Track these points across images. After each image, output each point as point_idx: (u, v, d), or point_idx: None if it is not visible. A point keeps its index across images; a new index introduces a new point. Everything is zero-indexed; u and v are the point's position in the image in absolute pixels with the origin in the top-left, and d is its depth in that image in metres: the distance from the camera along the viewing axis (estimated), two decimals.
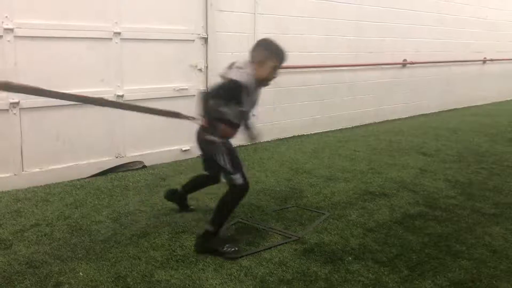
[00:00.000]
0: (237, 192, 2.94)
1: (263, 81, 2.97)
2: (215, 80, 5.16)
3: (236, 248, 2.90)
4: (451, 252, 2.99)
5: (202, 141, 3.02)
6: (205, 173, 3.32)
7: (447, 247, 3.07)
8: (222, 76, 2.93)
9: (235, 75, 2.81)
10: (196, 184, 3.53)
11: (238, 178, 2.89)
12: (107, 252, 2.91)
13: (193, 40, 5.03)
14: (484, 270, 2.77)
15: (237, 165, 2.93)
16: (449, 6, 8.52)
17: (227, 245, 2.90)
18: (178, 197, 3.58)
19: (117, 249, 2.96)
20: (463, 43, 9.05)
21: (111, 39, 4.43)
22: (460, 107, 9.33)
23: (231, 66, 2.97)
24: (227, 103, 2.85)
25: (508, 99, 10.72)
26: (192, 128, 5.00)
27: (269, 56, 2.93)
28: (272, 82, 3.07)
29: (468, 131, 6.97)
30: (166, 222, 3.39)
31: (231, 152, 2.95)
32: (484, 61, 9.75)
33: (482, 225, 3.44)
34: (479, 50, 9.55)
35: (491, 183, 4.42)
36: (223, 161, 2.90)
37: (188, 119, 3.12)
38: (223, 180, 3.12)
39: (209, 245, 2.91)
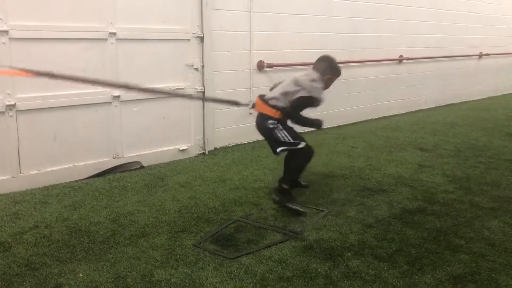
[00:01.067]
0: (302, 154, 3.55)
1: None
2: (211, 78, 5.21)
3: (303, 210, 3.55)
4: (450, 247, 3.00)
5: (264, 128, 3.59)
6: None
7: (446, 241, 3.08)
8: (298, 82, 3.55)
9: (316, 93, 3.52)
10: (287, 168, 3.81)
11: (300, 144, 3.51)
12: (106, 253, 2.91)
13: (189, 39, 5.02)
14: (483, 264, 2.78)
15: (297, 137, 3.56)
16: (444, 1, 8.52)
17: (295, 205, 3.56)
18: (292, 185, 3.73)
19: (116, 249, 2.96)
20: (458, 38, 9.06)
21: (106, 39, 4.42)
22: (457, 101, 9.34)
23: (307, 75, 3.62)
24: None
25: (505, 93, 10.73)
26: (187, 128, 4.99)
27: (334, 73, 3.71)
28: None
29: (465, 125, 6.98)
30: (165, 222, 3.39)
31: (290, 129, 3.57)
32: (480, 56, 9.76)
33: (481, 219, 3.45)
34: (475, 45, 9.56)
35: (489, 177, 4.43)
36: (282, 136, 3.50)
37: (247, 105, 3.76)
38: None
39: (285, 200, 3.58)
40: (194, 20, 5.03)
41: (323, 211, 3.60)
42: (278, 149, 3.52)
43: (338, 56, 6.68)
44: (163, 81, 4.87)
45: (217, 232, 3.23)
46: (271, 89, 3.79)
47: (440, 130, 6.64)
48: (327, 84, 3.67)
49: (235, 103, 3.76)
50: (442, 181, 4.34)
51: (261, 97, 3.62)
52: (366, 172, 4.62)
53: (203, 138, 5.30)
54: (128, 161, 4.71)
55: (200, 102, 5.22)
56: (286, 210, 3.58)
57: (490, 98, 10.10)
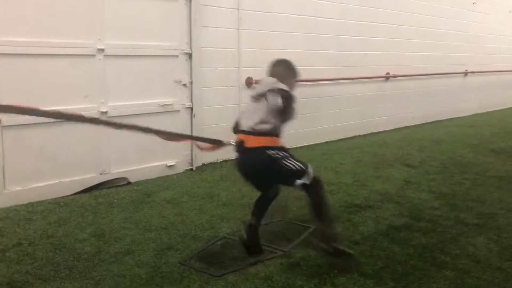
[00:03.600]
0: (318, 184, 2.99)
1: None
2: (200, 95, 5.23)
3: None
4: (435, 263, 3.01)
5: (264, 164, 2.93)
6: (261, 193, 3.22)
7: (431, 258, 3.09)
8: (261, 95, 3.01)
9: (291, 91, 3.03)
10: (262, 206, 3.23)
11: (312, 171, 2.97)
12: (90, 271, 2.87)
13: (177, 56, 5.05)
14: (468, 281, 2.79)
15: (303, 163, 2.99)
16: (431, 20, 8.68)
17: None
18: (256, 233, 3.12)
19: (101, 267, 2.92)
20: (444, 56, 9.22)
21: (94, 55, 4.43)
22: (443, 118, 9.45)
23: (264, 83, 3.12)
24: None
25: (489, 110, 10.89)
26: (175, 144, 4.95)
27: (292, 74, 3.23)
28: None
29: (451, 142, 7.06)
30: (151, 239, 3.36)
31: (291, 155, 3.01)
32: (466, 74, 9.93)
33: (466, 235, 3.48)
34: (461, 63, 9.73)
35: (474, 194, 4.47)
36: (292, 165, 2.93)
37: (230, 144, 3.10)
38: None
39: (331, 247, 2.93)
40: (183, 37, 5.07)
41: (309, 227, 3.60)
42: (300, 181, 2.91)
43: (326, 73, 6.83)
44: (151, 97, 4.87)
45: (203, 250, 3.21)
46: (238, 122, 3.14)
47: (426, 146, 6.71)
48: (292, 88, 3.14)
49: (217, 142, 3.16)
50: (428, 197, 4.37)
51: (244, 131, 2.99)
52: (353, 188, 4.64)
53: (191, 153, 5.30)
54: (115, 177, 4.68)
55: (188, 117, 5.22)
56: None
57: (475, 115, 10.24)
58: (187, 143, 5.16)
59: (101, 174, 4.60)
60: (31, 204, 4.08)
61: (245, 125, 2.99)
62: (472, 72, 10.03)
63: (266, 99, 2.95)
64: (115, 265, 2.95)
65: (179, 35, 5.04)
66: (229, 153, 5.69)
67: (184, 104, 5.15)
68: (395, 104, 8.27)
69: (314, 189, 2.96)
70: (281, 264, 2.98)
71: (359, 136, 7.54)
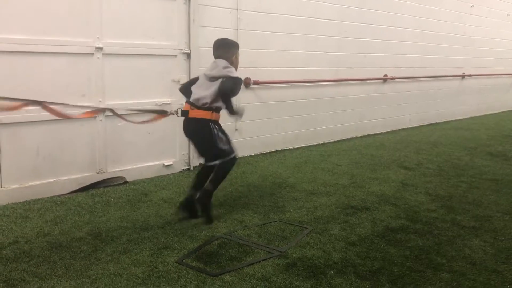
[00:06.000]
0: (229, 164, 3.71)
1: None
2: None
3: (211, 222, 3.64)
4: (431, 265, 3.02)
5: (201, 133, 3.60)
6: (201, 162, 3.92)
7: (428, 260, 3.10)
8: (215, 76, 3.59)
9: (236, 74, 3.61)
10: (201, 178, 3.77)
11: (234, 154, 3.71)
12: (87, 269, 2.87)
13: (176, 55, 5.04)
14: (464, 283, 2.80)
15: (230, 144, 3.71)
16: (429, 23, 8.70)
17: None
18: (192, 203, 3.70)
19: (97, 266, 2.92)
20: (442, 59, 9.24)
21: (93, 54, 4.42)
22: (440, 121, 9.48)
23: (217, 67, 3.63)
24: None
25: (487, 113, 10.94)
26: (172, 143, 4.98)
27: (235, 50, 3.79)
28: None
29: (448, 145, 7.08)
30: (148, 238, 3.36)
31: (224, 134, 3.68)
32: (463, 76, 9.96)
33: (462, 237, 3.49)
34: (458, 66, 9.76)
35: (470, 196, 4.49)
36: (221, 145, 3.61)
37: (175, 113, 3.72)
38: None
39: (206, 203, 3.63)
40: (181, 37, 5.06)
41: (306, 228, 3.61)
42: (217, 162, 3.63)
43: (324, 74, 6.85)
44: (149, 97, 4.87)
45: (200, 249, 3.21)
46: (183, 91, 3.88)
47: (423, 149, 6.73)
48: (236, 64, 3.78)
49: (162, 112, 3.86)
50: (425, 199, 4.38)
51: (189, 102, 3.63)
52: (350, 190, 4.64)
53: (188, 153, 5.29)
54: (111, 176, 4.68)
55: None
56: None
57: (472, 118, 10.28)
58: (184, 143, 5.16)
59: (98, 173, 4.59)
60: (28, 202, 4.07)
61: (194, 98, 3.60)
62: (470, 75, 10.07)
63: (221, 84, 3.54)
64: (111, 264, 2.95)
65: (178, 35, 5.04)
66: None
67: (182, 103, 5.12)
68: (392, 106, 8.29)
69: (226, 165, 3.67)
70: (278, 265, 2.98)
71: (357, 137, 7.55)
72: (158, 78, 4.95)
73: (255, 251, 3.19)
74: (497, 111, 11.30)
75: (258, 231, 3.56)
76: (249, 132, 5.98)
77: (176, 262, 2.99)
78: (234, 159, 3.73)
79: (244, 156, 5.87)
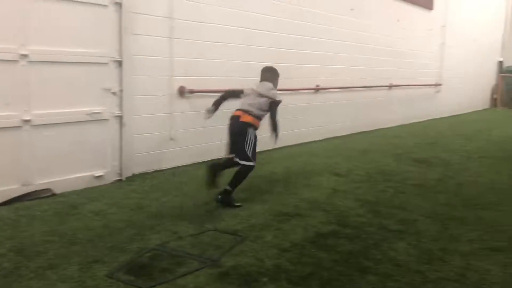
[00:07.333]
0: (249, 170, 4.40)
1: None
2: (130, 103, 5.11)
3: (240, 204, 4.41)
4: (359, 268, 3.14)
5: (242, 133, 4.40)
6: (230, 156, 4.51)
7: (356, 263, 3.22)
8: (262, 94, 4.53)
9: (277, 96, 4.61)
10: (227, 163, 4.52)
11: (253, 163, 4.41)
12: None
13: (107, 63, 4.91)
14: (390, 284, 2.94)
15: (254, 155, 4.44)
16: (359, 36, 9.08)
17: (236, 203, 4.42)
18: (219, 169, 4.45)
19: (20, 283, 2.77)
20: (371, 70, 9.66)
21: (17, 61, 4.22)
22: (370, 129, 9.87)
23: (264, 87, 4.61)
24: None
25: (412, 121, 11.54)
26: (103, 153, 4.86)
27: (277, 77, 4.85)
28: None
29: (377, 152, 7.39)
30: (76, 252, 3.23)
31: (255, 144, 4.46)
32: (390, 87, 10.47)
33: (388, 241, 3.66)
34: (386, 77, 10.24)
35: (396, 201, 4.72)
36: (248, 150, 4.38)
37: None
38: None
39: (227, 200, 4.35)
40: (113, 44, 4.94)
41: (240, 236, 3.63)
42: (242, 162, 4.36)
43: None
44: (78, 106, 4.71)
45: (131, 262, 3.14)
46: (220, 100, 4.72)
47: (354, 156, 6.99)
48: (276, 86, 4.75)
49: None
50: (354, 205, 4.55)
51: (242, 109, 4.47)
52: (284, 197, 4.73)
53: (120, 164, 5.16)
54: (38, 189, 4.46)
55: (118, 126, 5.08)
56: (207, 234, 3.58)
57: (400, 126, 10.79)
58: (116, 153, 5.04)
59: (23, 185, 4.36)
60: None
61: (245, 108, 4.47)
62: (397, 86, 10.60)
63: (267, 103, 4.51)
64: (35, 280, 2.81)
65: (109, 42, 4.91)
66: (161, 164, 5.64)
67: (113, 112, 5.02)
68: (324, 115, 8.53)
69: (245, 169, 4.38)
70: (211, 274, 2.98)
71: (290, 146, 7.70)
72: (88, 87, 4.79)
73: (188, 261, 3.16)
74: (422, 120, 11.96)
75: (192, 241, 3.54)
76: (185, 141, 5.94)
77: (106, 276, 2.90)
78: (253, 167, 4.41)
79: (180, 166, 5.82)
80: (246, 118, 4.42)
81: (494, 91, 17.12)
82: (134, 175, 5.32)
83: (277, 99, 4.56)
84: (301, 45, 7.60)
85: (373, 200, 4.71)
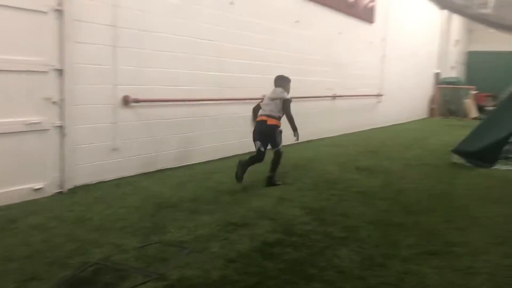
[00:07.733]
0: (280, 155, 5.74)
1: None
2: (72, 113, 4.95)
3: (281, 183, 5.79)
4: (304, 276, 3.20)
5: (268, 129, 5.63)
6: (261, 150, 5.67)
7: (301, 271, 3.28)
8: (274, 98, 5.69)
9: (288, 96, 5.74)
10: (253, 159, 5.69)
11: (281, 149, 5.73)
12: None
13: (47, 72, 4.74)
14: None
15: (280, 142, 5.70)
16: (304, 47, 9.30)
17: (279, 182, 5.76)
18: (245, 165, 5.62)
19: None
20: (315, 80, 9.91)
21: None
22: (315, 138, 10.08)
23: (275, 92, 5.76)
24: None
25: (355, 131, 11.91)
26: (43, 165, 4.69)
27: (288, 82, 5.92)
28: None
29: (321, 160, 7.57)
30: (13, 270, 3.09)
31: (280, 136, 5.72)
32: (334, 97, 10.76)
33: (332, 248, 3.75)
34: (330, 87, 10.53)
35: (340, 208, 4.85)
36: (278, 141, 5.65)
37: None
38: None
39: (272, 182, 5.68)
40: (53, 52, 4.78)
41: (187, 248, 3.60)
42: (275, 149, 5.69)
43: (207, 94, 6.94)
44: (15, 115, 4.51)
45: (73, 277, 3.03)
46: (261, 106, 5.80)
47: (300, 164, 7.11)
48: (288, 90, 5.84)
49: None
50: (300, 213, 4.63)
51: (265, 114, 5.62)
52: (231, 207, 4.74)
53: (61, 175, 4.98)
54: None
55: (58, 136, 4.90)
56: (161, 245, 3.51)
57: (343, 135, 11.10)
58: (56, 164, 4.86)
59: None
60: None
61: (267, 113, 5.63)
62: (340, 96, 10.92)
63: (280, 103, 5.64)
64: None
65: (49, 50, 4.75)
66: (105, 175, 5.49)
67: (54, 122, 4.84)
68: None
69: (278, 155, 5.74)
70: None
71: (239, 155, 7.71)
72: (26, 96, 4.60)
73: (133, 275, 3.10)
74: (365, 129, 12.38)
75: (136, 254, 3.46)
76: (129, 152, 5.82)
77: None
78: (281, 151, 5.73)
79: (123, 177, 5.69)
80: (272, 121, 5.59)
81: (431, 101, 18.05)
82: (76, 187, 5.14)
83: (286, 97, 5.62)
84: (245, 56, 7.68)
85: (318, 208, 4.82)
